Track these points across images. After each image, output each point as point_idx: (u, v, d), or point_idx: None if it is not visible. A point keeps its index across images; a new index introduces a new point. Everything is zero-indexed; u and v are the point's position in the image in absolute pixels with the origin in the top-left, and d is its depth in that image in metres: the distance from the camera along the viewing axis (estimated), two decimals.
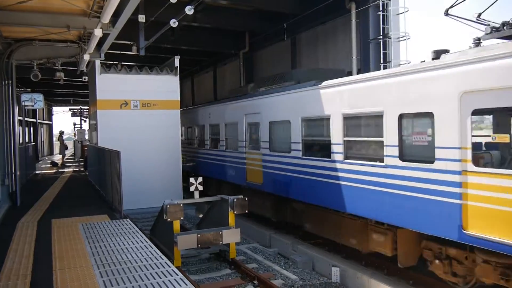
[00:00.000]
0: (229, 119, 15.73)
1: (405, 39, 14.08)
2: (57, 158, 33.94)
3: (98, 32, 11.62)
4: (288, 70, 20.20)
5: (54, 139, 53.46)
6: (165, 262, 7.16)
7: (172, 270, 6.79)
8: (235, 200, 10.09)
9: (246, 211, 10.33)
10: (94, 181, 17.46)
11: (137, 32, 16.67)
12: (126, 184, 11.13)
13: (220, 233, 9.81)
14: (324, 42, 17.97)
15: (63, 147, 35.36)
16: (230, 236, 9.96)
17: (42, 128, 46.06)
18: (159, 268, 6.86)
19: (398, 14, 14.23)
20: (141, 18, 15.43)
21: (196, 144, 19.80)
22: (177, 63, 17.95)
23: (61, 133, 38.40)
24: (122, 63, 24.64)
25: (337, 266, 9.86)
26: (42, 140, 46.36)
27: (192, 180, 10.91)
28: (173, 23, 14.59)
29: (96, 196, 15.04)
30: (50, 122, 53.64)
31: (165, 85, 17.62)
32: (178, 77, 17.96)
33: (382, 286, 8.72)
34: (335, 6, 15.33)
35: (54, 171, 26.44)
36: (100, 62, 16.68)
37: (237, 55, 24.15)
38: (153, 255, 7.60)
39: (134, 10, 11.39)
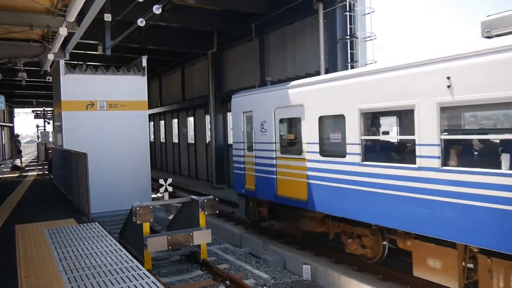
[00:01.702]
0: None
1: (371, 39, 14.33)
2: (19, 161, 32.18)
3: (63, 31, 11.34)
4: (257, 70, 20.32)
5: None
6: (136, 266, 7.04)
7: (143, 273, 6.68)
8: (205, 200, 10.03)
9: (217, 211, 10.30)
10: (60, 185, 17.00)
11: (103, 32, 16.34)
12: (93, 186, 10.88)
13: (191, 234, 9.75)
14: (292, 42, 18.09)
15: (16, 153, 31.22)
16: (201, 237, 9.90)
17: (2, 131, 44.50)
18: (129, 272, 6.74)
19: (364, 14, 14.47)
20: (107, 17, 15.13)
21: (336, 153, 9.31)
22: (144, 63, 17.70)
23: (16, 136, 33.76)
24: (88, 63, 24.16)
25: (308, 264, 9.96)
26: (3, 143, 44.78)
27: (161, 181, 10.78)
28: (141, 22, 14.38)
29: (62, 199, 14.64)
30: (11, 125, 51.85)
31: (133, 86, 17.33)
32: (145, 77, 17.71)
33: (352, 282, 8.87)
34: (303, 7, 15.47)
35: (16, 175, 25.59)
36: (65, 62, 16.25)
37: (205, 55, 24.04)
38: (122, 258, 7.45)
39: (100, 9, 11.15)
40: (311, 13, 15.86)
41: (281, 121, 11.28)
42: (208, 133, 25.78)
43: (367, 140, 8.72)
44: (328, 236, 10.29)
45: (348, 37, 14.36)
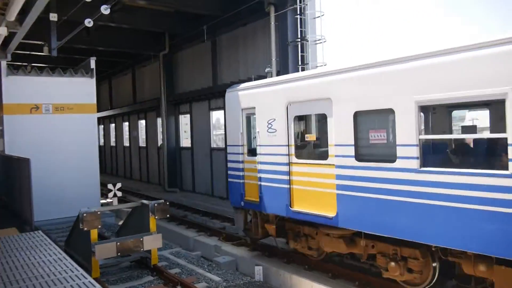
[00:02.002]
0: None
1: (321, 42, 14.62)
2: None
3: (3, 31, 10.85)
4: (209, 72, 20.22)
5: None
6: (81, 274, 6.80)
7: (89, 281, 6.46)
8: (156, 204, 9.85)
9: (168, 215, 10.14)
10: (2, 192, 16.18)
11: (48, 32, 15.74)
12: (38, 193, 10.47)
13: (141, 239, 9.52)
14: (244, 44, 18.15)
15: None
16: (152, 242, 9.70)
17: None
18: (74, 281, 6.49)
19: (314, 18, 14.73)
20: (53, 16, 14.63)
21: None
22: (93, 65, 17.16)
23: None
24: (33, 64, 23.21)
25: (260, 265, 9.99)
26: None
27: (110, 186, 10.49)
28: (88, 22, 14.01)
29: (4, 208, 13.94)
30: None
31: (80, 88, 16.75)
32: (94, 79, 17.18)
33: (304, 281, 8.98)
34: (255, 9, 15.56)
35: None
36: (7, 63, 15.50)
37: (157, 56, 23.67)
38: (67, 267, 7.17)
39: (45, 8, 10.74)
40: (263, 16, 15.97)
41: (297, 119, 9.26)
42: (160, 136, 25.39)
43: (426, 141, 7.01)
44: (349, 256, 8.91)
45: (299, 40, 14.58)
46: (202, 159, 21.42)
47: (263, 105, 9.94)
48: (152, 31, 21.89)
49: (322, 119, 8.65)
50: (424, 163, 6.66)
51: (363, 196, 7.50)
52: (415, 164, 6.67)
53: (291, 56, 14.70)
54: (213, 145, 21.04)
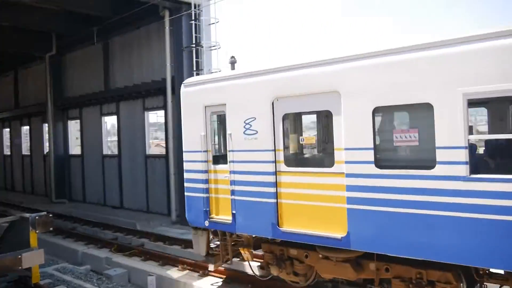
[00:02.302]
0: None
1: (216, 48, 14.73)
2: None
3: None
4: (101, 75, 19.32)
5: None
6: None
7: None
8: (37, 217, 9.05)
9: (51, 228, 9.39)
10: None
11: None
12: None
13: (19, 257, 8.66)
14: (138, 48, 17.63)
15: None
16: (32, 259, 8.88)
17: None
18: None
19: (209, 24, 14.80)
20: None
21: None
22: None
23: None
24: None
25: (153, 275, 9.71)
26: None
27: None
28: None
29: None
30: None
31: None
32: None
33: None
34: (150, 11, 15.20)
35: None
36: None
37: (43, 58, 22.04)
38: None
39: None
40: (157, 19, 15.69)
41: (287, 117, 7.54)
42: (46, 144, 23.65)
43: (477, 142, 5.85)
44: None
45: (194, 45, 14.53)
46: (94, 167, 20.34)
47: (237, 101, 7.99)
48: (37, 31, 20.32)
49: (324, 117, 7.32)
50: (474, 169, 5.45)
51: (387, 211, 6.07)
52: (462, 170, 5.45)
53: (186, 61, 14.63)
54: (107, 152, 20.11)
